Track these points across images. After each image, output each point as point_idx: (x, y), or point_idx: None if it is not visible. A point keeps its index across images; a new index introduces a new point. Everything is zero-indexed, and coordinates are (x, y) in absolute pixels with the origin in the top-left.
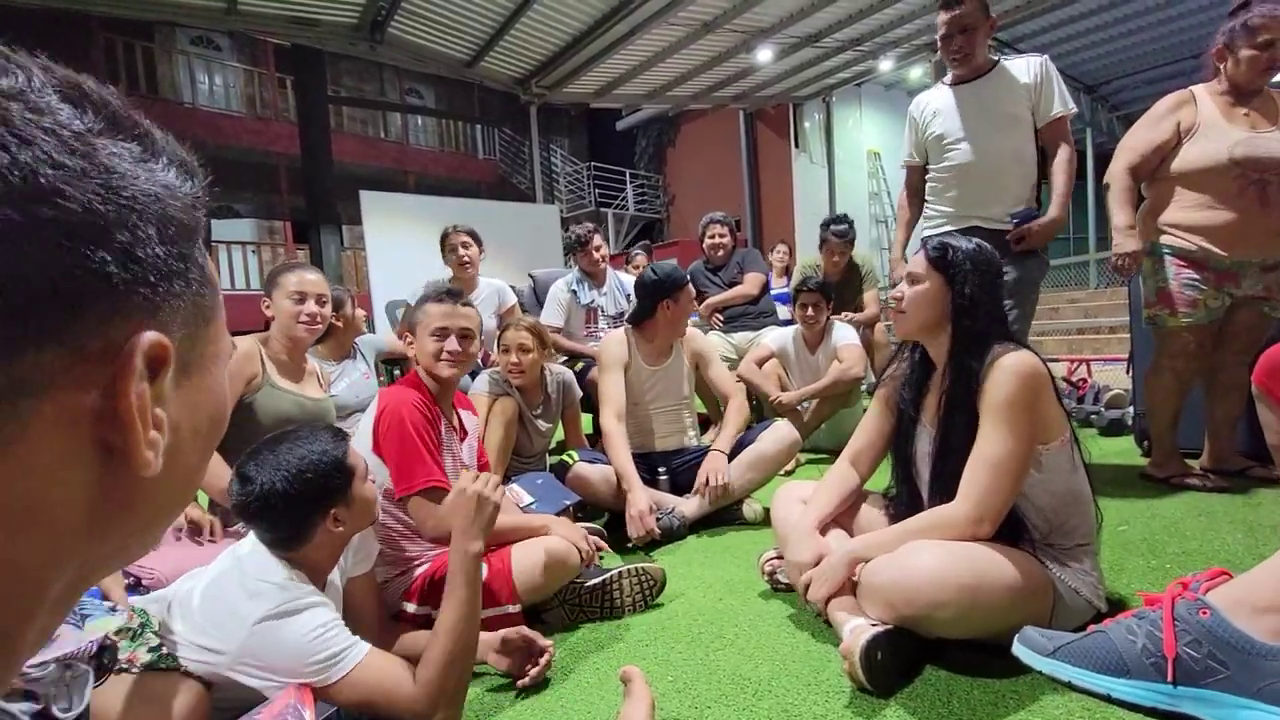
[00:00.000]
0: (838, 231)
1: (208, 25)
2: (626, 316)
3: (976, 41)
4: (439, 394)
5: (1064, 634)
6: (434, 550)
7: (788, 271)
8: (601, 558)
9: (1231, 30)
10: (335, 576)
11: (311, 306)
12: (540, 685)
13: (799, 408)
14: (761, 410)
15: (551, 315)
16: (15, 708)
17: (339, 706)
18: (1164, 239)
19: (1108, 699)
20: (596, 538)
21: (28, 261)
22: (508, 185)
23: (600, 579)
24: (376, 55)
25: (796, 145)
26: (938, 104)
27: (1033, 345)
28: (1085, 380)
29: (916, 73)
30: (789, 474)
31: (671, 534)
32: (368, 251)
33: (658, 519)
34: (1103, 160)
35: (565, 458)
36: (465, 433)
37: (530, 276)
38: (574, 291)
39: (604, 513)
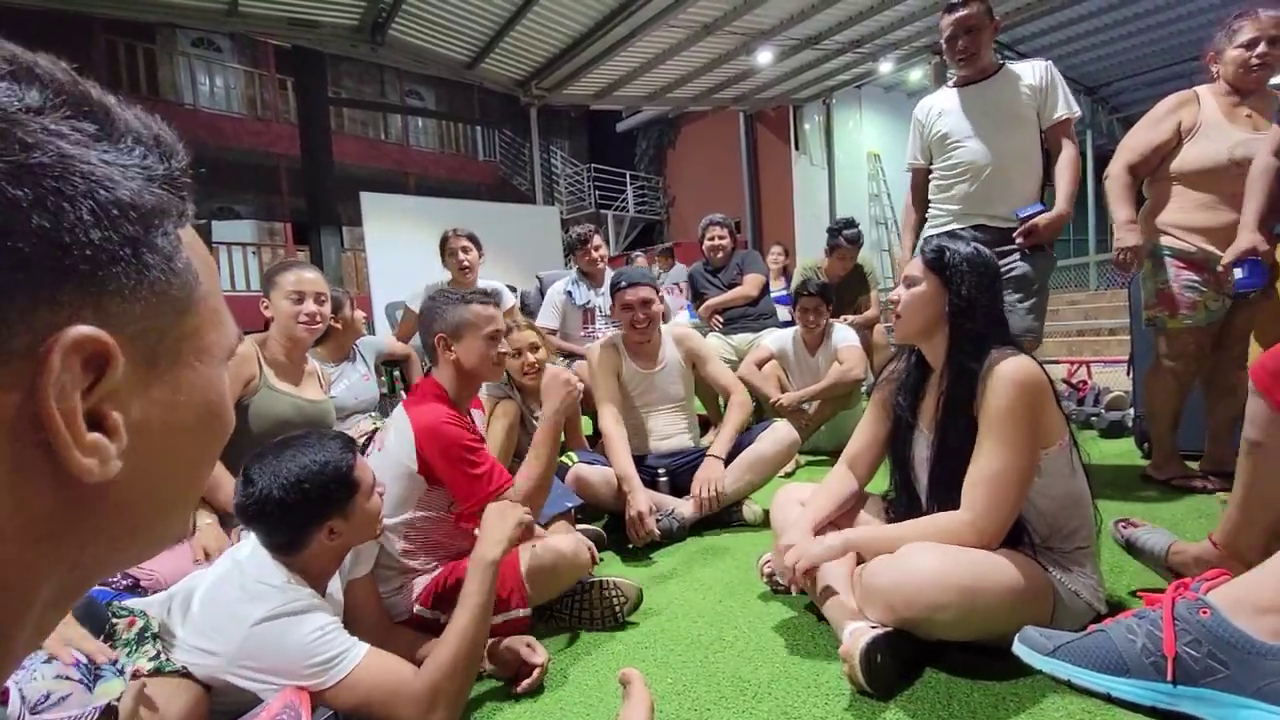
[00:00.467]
0: (850, 236)
1: (209, 27)
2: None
3: (982, 42)
4: (459, 398)
5: (1064, 633)
6: (433, 564)
7: (785, 273)
8: (600, 560)
9: (1218, 34)
10: (335, 589)
11: (310, 306)
12: (539, 688)
13: (800, 408)
14: (761, 411)
15: (547, 317)
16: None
17: (336, 710)
18: (1164, 240)
19: (1108, 698)
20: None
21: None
22: (508, 187)
23: (572, 588)
24: (377, 57)
25: (796, 147)
26: (943, 105)
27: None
28: (1085, 382)
29: (916, 75)
30: (789, 475)
31: (671, 535)
32: (368, 253)
33: (657, 520)
34: (1102, 162)
35: (565, 459)
36: (481, 438)
37: (537, 278)
38: (569, 293)
39: (604, 514)
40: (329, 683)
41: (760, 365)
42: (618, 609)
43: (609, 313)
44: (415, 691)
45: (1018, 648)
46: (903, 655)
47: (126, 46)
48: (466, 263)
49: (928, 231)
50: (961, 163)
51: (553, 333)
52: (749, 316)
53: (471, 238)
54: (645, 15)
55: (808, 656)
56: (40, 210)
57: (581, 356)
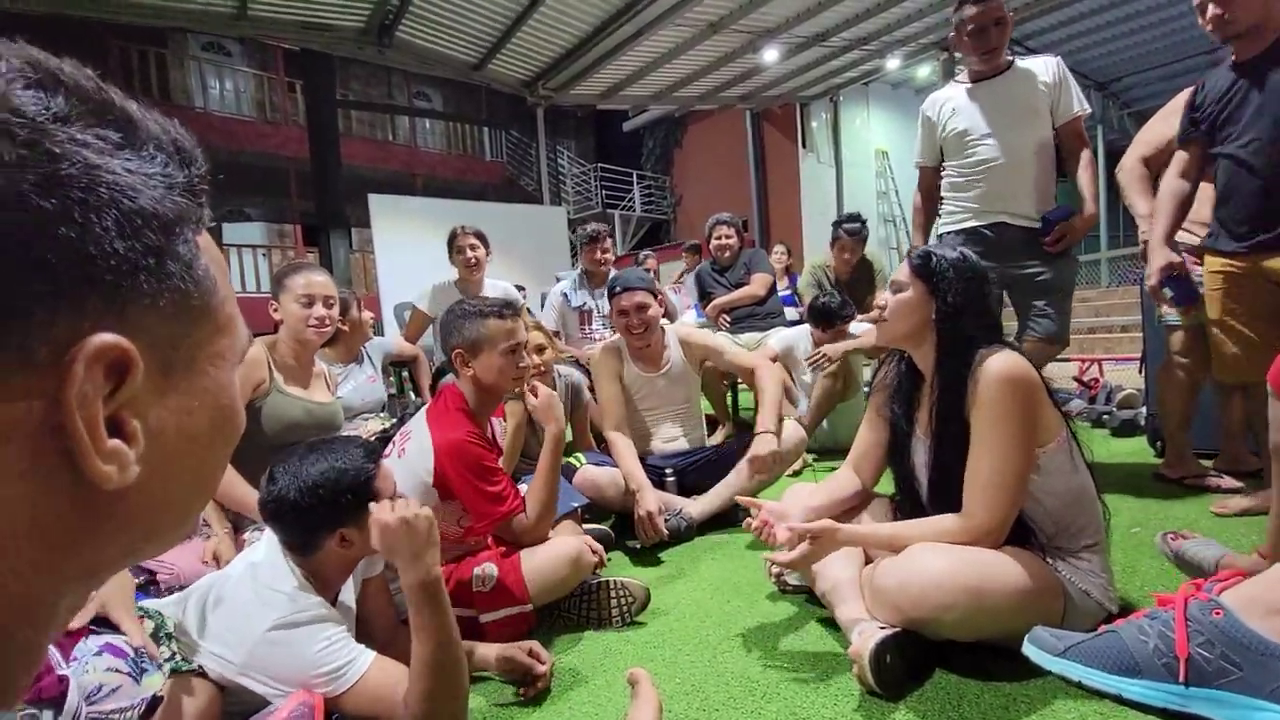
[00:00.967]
0: (850, 229)
1: (218, 31)
2: None
3: (1006, 36)
4: (479, 410)
5: (1074, 634)
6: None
7: (788, 273)
8: (609, 561)
9: None
10: (348, 595)
11: (320, 310)
12: (546, 689)
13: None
14: None
15: (547, 319)
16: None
17: (344, 716)
18: (1177, 235)
19: (1119, 700)
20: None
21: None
22: (515, 187)
23: (578, 589)
24: (385, 59)
25: (803, 145)
26: (956, 102)
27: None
28: (1097, 380)
29: (924, 71)
30: (796, 475)
31: (679, 535)
32: (376, 254)
33: (665, 520)
34: (1114, 158)
35: (572, 460)
36: (500, 449)
37: (557, 278)
38: (565, 295)
39: (611, 514)
40: (336, 691)
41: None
42: (625, 609)
43: (606, 315)
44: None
45: (1027, 648)
46: (912, 656)
47: (139, 52)
48: (474, 260)
49: (945, 227)
50: (983, 160)
51: (554, 335)
52: (756, 316)
53: (479, 235)
54: (652, 14)
55: (816, 657)
56: (67, 221)
57: (579, 360)
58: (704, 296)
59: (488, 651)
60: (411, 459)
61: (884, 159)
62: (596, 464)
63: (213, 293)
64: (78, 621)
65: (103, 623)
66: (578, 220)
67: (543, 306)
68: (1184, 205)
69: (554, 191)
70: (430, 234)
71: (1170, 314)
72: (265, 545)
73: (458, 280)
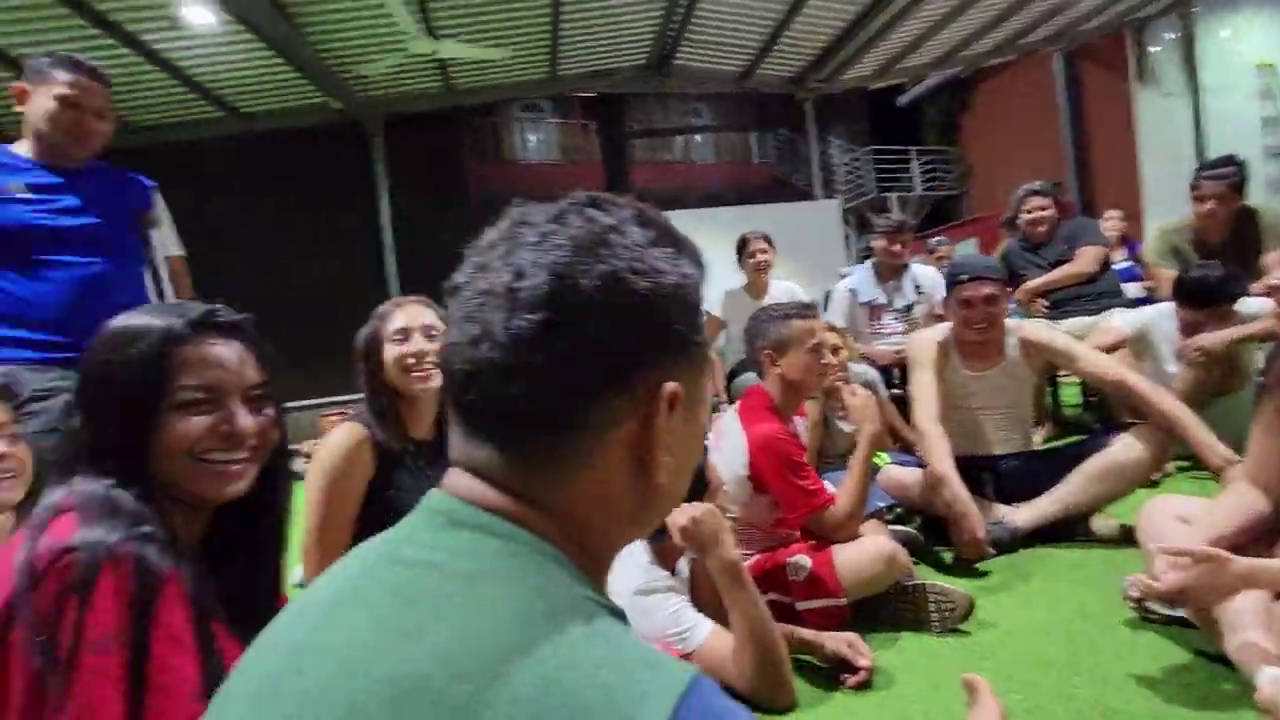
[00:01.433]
0: (1218, 173)
1: (538, 95)
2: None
3: None
4: (783, 407)
5: None
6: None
7: (1125, 242)
8: (916, 565)
9: None
10: (682, 565)
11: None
12: (865, 684)
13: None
14: (1105, 407)
15: (833, 315)
16: None
17: None
18: None
19: None
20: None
21: (618, 335)
22: (783, 186)
23: (893, 588)
24: (663, 87)
25: (1139, 78)
26: None
27: None
28: None
29: None
30: (1153, 485)
31: (999, 546)
32: None
33: (987, 530)
34: None
35: (875, 459)
36: (804, 446)
37: (840, 275)
38: (853, 290)
39: (915, 516)
40: (683, 651)
41: (1109, 351)
42: (946, 615)
43: (901, 309)
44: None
45: None
46: None
47: (480, 123)
48: (764, 262)
49: None
50: None
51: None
52: (1085, 297)
53: (767, 238)
54: None
55: (1200, 696)
56: (664, 308)
57: (868, 356)
58: (1014, 279)
59: (808, 636)
60: (727, 454)
61: (1270, 75)
62: (900, 463)
63: (707, 355)
64: None
65: None
66: (850, 210)
67: (825, 306)
68: None
69: (825, 183)
70: (708, 243)
71: None
72: None
73: (747, 284)
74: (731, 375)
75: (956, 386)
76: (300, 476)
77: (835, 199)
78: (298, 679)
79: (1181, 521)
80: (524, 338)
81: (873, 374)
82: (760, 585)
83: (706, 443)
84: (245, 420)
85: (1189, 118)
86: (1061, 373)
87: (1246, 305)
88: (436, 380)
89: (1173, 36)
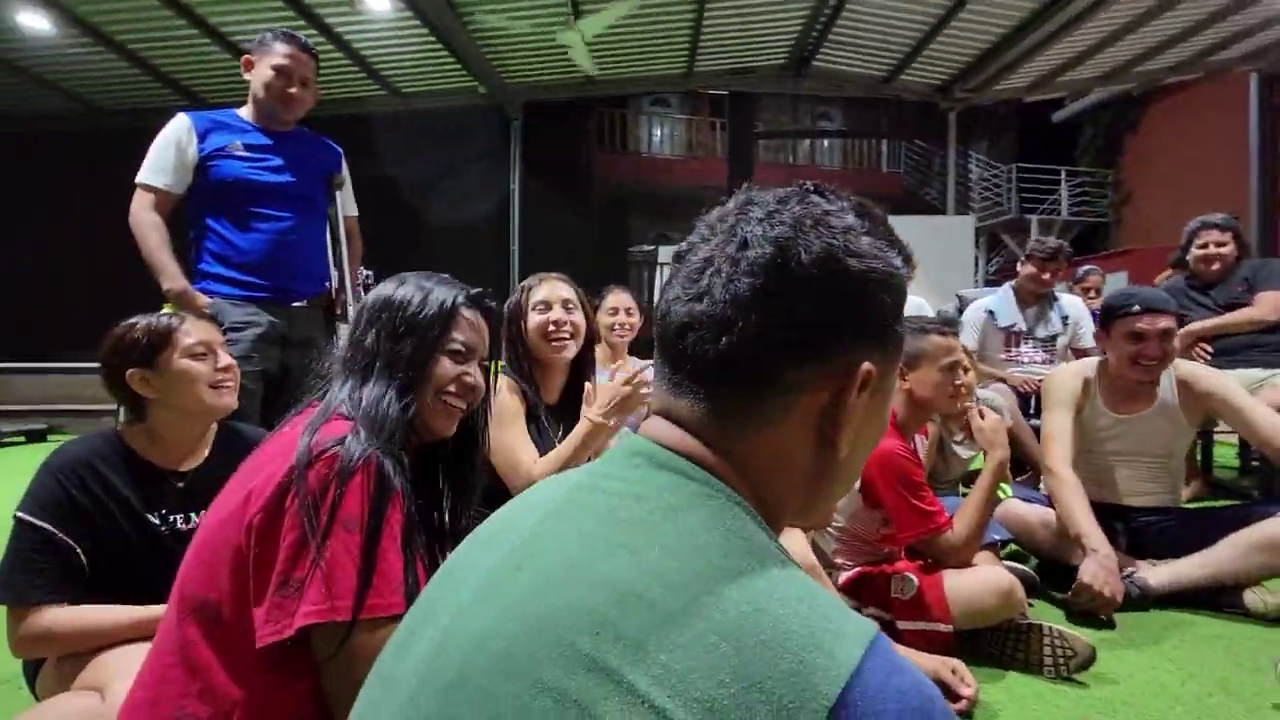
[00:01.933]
0: None
1: (672, 90)
2: None
3: None
4: (906, 424)
5: None
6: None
7: None
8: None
9: None
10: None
11: None
12: (965, 715)
13: None
14: (1269, 474)
15: (965, 337)
16: None
17: None
18: None
19: None
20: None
21: (825, 308)
22: (913, 198)
23: (1005, 625)
24: (798, 88)
25: None
26: None
27: None
28: None
29: None
30: None
31: (1128, 602)
32: None
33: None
34: None
35: (999, 491)
36: (922, 465)
37: (957, 296)
38: (990, 312)
39: (1030, 556)
40: None
41: None
42: (1062, 661)
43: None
44: None
45: None
46: None
47: (610, 114)
48: None
49: None
50: None
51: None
52: (1259, 347)
53: None
54: None
55: None
56: (869, 288)
57: (1008, 382)
58: (1180, 320)
59: (910, 654)
60: None
61: None
62: (1025, 499)
63: (901, 349)
64: None
65: None
66: (981, 229)
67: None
68: None
69: (960, 199)
70: None
71: None
72: None
73: None
74: None
75: (1096, 429)
76: None
77: (969, 215)
78: (516, 574)
79: None
80: (741, 299)
81: (999, 400)
82: (860, 596)
83: None
84: (478, 378)
85: None
86: (1220, 427)
87: None
88: (571, 349)
89: None
